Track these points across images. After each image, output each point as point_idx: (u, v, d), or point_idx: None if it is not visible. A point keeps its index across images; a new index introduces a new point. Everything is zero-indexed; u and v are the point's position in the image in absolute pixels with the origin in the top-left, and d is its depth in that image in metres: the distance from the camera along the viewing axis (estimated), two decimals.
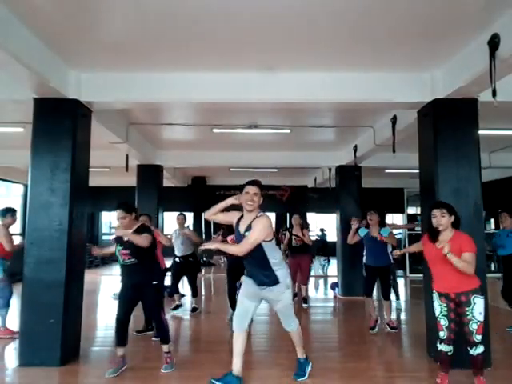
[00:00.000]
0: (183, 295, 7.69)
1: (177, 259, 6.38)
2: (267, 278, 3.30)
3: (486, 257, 4.34)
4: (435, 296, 3.35)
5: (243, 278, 3.58)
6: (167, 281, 5.91)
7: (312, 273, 11.76)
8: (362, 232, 5.48)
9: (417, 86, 4.26)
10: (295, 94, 4.32)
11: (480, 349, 3.20)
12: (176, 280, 6.44)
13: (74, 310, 4.17)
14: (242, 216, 3.39)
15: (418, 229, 8.00)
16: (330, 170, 9.07)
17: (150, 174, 8.23)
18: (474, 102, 4.09)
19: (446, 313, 3.26)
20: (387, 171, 9.67)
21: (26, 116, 4.49)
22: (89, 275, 6.19)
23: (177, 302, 6.47)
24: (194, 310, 6.49)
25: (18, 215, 5.39)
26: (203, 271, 9.90)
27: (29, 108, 4.18)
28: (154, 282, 3.84)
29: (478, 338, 3.15)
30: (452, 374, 3.43)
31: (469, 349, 3.23)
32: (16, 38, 3.23)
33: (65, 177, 4.08)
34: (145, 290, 3.79)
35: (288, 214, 13.95)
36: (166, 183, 9.64)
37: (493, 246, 5.80)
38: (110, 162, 8.13)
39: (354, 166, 7.66)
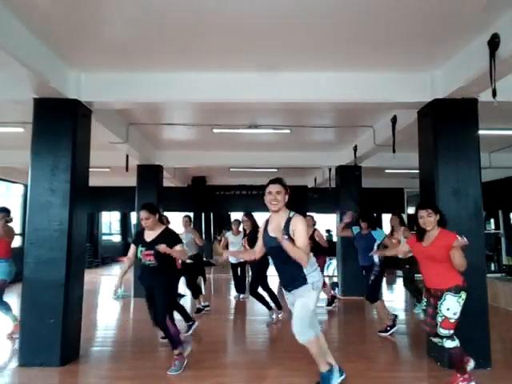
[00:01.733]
0: (183, 295, 7.71)
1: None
2: (297, 280, 3.11)
3: (486, 257, 4.33)
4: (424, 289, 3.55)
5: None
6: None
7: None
8: (355, 230, 5.49)
9: (417, 85, 4.26)
10: (295, 94, 4.31)
11: (449, 343, 3.26)
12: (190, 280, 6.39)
13: (73, 309, 4.17)
14: (267, 220, 3.26)
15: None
16: (329, 170, 9.07)
17: (149, 173, 8.23)
18: (474, 102, 4.08)
19: (425, 307, 3.45)
20: (387, 171, 9.66)
21: (26, 116, 4.49)
22: (89, 275, 6.19)
23: (197, 305, 6.40)
24: (198, 310, 6.40)
25: (18, 215, 5.39)
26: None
27: (29, 108, 4.18)
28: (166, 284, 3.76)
29: (442, 331, 3.23)
30: (452, 375, 3.42)
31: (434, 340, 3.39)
32: (16, 38, 3.23)
33: (65, 177, 4.07)
34: (156, 292, 3.76)
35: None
36: (166, 183, 9.63)
37: None
38: (109, 162, 8.11)
39: (354, 166, 7.66)
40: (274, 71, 4.24)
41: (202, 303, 6.47)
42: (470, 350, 3.83)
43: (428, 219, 3.27)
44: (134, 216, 6.89)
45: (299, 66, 4.18)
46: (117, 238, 17.59)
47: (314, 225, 6.88)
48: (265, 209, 3.30)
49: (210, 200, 13.17)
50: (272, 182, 3.17)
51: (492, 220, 11.44)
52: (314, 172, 11.09)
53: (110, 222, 17.67)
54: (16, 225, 5.23)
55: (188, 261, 6.38)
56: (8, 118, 5.76)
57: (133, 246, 3.93)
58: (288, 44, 3.70)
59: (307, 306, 3.10)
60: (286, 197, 3.13)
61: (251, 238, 5.49)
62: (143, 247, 3.74)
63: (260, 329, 5.57)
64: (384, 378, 3.74)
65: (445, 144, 4.10)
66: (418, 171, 4.62)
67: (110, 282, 9.92)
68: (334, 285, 8.24)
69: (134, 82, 4.32)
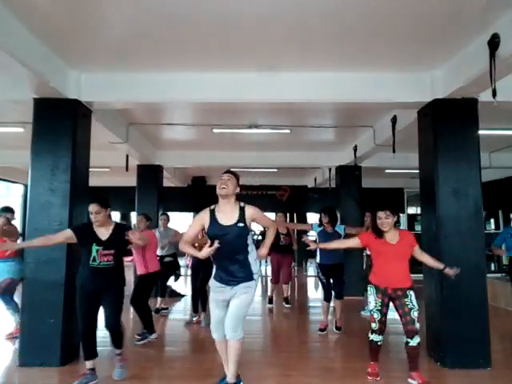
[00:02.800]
0: (183, 295, 7.71)
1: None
2: (243, 272, 3.11)
3: (486, 257, 4.33)
4: (372, 290, 3.54)
5: (211, 283, 3.27)
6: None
7: (312, 273, 11.83)
8: (316, 229, 5.30)
9: (417, 86, 4.26)
10: (295, 94, 4.32)
11: (418, 339, 3.35)
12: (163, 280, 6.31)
13: (74, 310, 4.15)
14: (213, 210, 3.24)
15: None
16: (329, 170, 9.08)
17: (150, 173, 8.24)
18: (474, 102, 4.09)
19: (379, 307, 3.48)
20: (387, 171, 9.66)
21: (26, 116, 4.49)
22: None
23: (157, 306, 6.28)
24: (157, 311, 6.19)
25: (18, 215, 5.38)
26: None
27: (29, 108, 4.18)
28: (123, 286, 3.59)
29: (418, 326, 3.33)
30: (452, 375, 3.43)
31: (409, 340, 3.38)
32: (16, 38, 3.23)
33: (65, 177, 4.08)
34: (110, 292, 3.49)
35: (288, 214, 13.95)
36: (166, 183, 9.64)
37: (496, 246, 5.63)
38: (109, 161, 8.13)
39: (354, 166, 7.67)
40: (273, 71, 4.24)
41: (163, 305, 6.38)
42: (470, 350, 3.85)
43: (386, 221, 3.43)
44: (133, 216, 6.94)
45: (299, 66, 4.18)
46: None
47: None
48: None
49: (210, 200, 13.09)
50: (224, 172, 3.31)
51: (492, 220, 11.44)
52: (314, 172, 11.10)
53: None
54: (16, 225, 5.23)
55: (167, 259, 6.26)
56: (8, 118, 5.77)
57: (69, 231, 3.49)
58: (288, 44, 3.70)
59: (247, 302, 3.13)
60: (238, 189, 3.25)
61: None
62: (99, 246, 3.39)
63: (258, 329, 5.57)
64: (384, 377, 3.73)
65: (445, 144, 4.10)
66: (418, 171, 4.62)
67: None
68: None
69: (134, 82, 4.32)
